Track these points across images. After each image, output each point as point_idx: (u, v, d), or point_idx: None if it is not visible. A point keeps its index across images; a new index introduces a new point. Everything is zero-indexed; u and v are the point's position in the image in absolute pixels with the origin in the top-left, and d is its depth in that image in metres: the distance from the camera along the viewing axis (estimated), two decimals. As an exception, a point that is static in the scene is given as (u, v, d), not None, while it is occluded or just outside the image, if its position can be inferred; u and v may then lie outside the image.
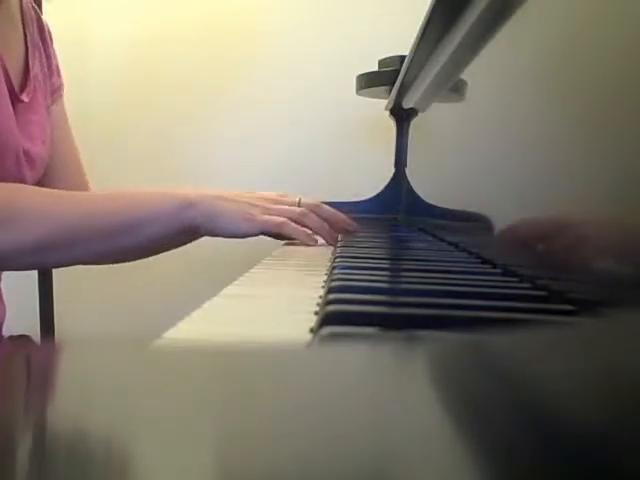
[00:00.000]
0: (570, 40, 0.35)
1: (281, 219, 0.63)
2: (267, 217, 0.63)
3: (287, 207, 0.66)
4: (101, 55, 1.33)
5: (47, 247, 0.60)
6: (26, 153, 0.72)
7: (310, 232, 0.66)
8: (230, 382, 0.14)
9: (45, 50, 0.81)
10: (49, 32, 0.83)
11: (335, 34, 1.28)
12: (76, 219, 0.62)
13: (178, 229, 0.63)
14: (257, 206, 0.65)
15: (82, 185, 0.86)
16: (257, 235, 0.64)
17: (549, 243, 0.36)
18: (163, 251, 0.74)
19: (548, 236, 0.36)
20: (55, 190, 0.69)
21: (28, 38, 0.77)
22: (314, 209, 0.68)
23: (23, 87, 0.74)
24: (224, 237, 0.65)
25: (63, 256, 0.63)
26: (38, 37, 0.80)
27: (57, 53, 0.85)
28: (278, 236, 0.66)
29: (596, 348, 0.15)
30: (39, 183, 0.75)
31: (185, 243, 0.73)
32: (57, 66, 0.84)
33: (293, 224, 0.64)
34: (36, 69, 0.77)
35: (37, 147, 0.74)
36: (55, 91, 0.83)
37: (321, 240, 0.67)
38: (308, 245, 0.65)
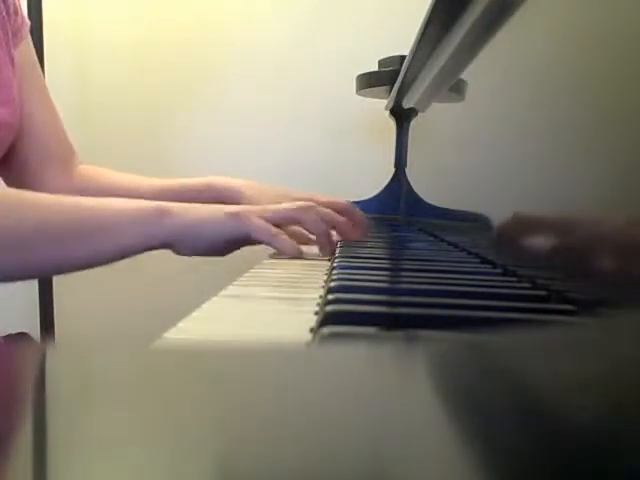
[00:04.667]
0: (570, 40, 0.35)
1: (274, 230, 0.54)
2: (258, 221, 0.54)
3: (284, 206, 0.57)
4: (101, 56, 1.33)
5: None
6: None
7: (297, 245, 0.56)
8: (230, 382, 0.14)
9: None
10: None
11: (335, 34, 1.28)
12: (29, 228, 0.52)
13: (148, 240, 0.54)
14: (254, 211, 0.55)
15: (66, 152, 0.74)
16: (244, 241, 0.55)
17: (549, 243, 0.36)
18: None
19: (548, 236, 0.36)
20: (11, 194, 0.55)
21: None
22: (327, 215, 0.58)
23: None
24: (204, 249, 0.55)
25: (17, 265, 0.52)
26: None
27: None
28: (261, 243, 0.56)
29: (596, 348, 0.15)
30: (11, 151, 0.67)
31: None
32: (15, 5, 0.68)
33: (284, 237, 0.55)
34: None
35: None
36: (16, 32, 0.68)
37: (314, 250, 0.59)
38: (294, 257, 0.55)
